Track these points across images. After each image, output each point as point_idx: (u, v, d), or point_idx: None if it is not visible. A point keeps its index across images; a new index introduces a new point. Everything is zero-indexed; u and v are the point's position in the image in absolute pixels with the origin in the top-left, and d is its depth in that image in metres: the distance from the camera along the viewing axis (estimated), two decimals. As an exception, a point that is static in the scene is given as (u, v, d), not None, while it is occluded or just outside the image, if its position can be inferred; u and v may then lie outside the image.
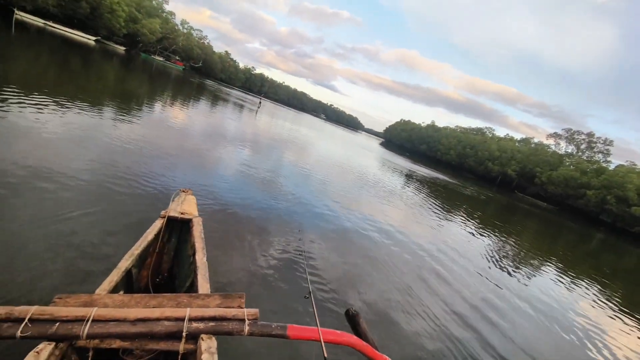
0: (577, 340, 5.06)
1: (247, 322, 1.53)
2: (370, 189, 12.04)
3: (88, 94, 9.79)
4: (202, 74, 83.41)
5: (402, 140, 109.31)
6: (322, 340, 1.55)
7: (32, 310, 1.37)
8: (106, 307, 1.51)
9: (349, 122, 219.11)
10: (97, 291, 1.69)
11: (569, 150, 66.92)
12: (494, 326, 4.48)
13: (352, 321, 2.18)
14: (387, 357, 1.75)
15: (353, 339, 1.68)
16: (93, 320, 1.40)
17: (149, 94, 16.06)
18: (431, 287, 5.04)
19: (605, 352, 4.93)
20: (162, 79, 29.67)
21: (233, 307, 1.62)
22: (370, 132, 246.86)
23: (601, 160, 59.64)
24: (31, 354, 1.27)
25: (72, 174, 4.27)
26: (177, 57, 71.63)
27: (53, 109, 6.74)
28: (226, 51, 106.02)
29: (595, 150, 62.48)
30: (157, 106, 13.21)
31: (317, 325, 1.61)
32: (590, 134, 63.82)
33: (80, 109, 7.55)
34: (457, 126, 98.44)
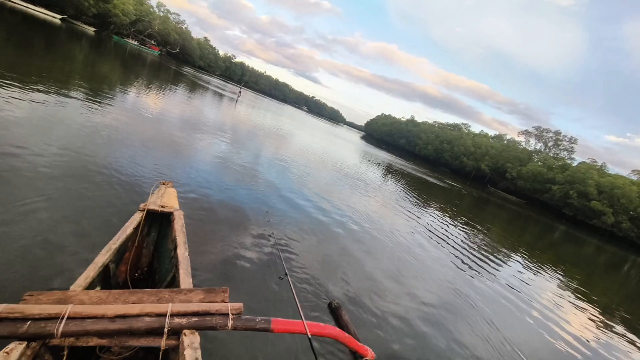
0: (539, 323, 5.45)
1: (230, 316, 1.53)
2: (348, 180, 12.17)
3: (54, 78, 9.13)
4: (180, 60, 79.96)
5: (382, 134, 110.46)
6: (306, 332, 1.58)
7: (0, 308, 1.30)
8: (82, 304, 1.46)
9: (331, 115, 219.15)
10: (72, 287, 1.62)
11: (538, 147, 70.63)
12: (467, 311, 4.73)
13: (335, 313, 2.22)
14: (368, 347, 1.81)
15: (335, 330, 1.72)
16: (68, 318, 1.34)
17: (123, 79, 15.21)
18: (406, 276, 5.22)
19: (560, 331, 5.35)
20: (137, 64, 28.16)
21: (216, 302, 1.62)
22: (351, 125, 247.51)
23: (566, 157, 63.54)
24: (0, 354, 1.21)
25: (40, 164, 4.00)
26: (153, 42, 68.05)
27: (15, 93, 6.25)
28: (205, 37, 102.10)
29: (561, 147, 66.39)
30: (133, 93, 12.57)
31: (302, 319, 1.64)
32: (557, 132, 67.61)
33: (45, 94, 7.05)
34: (435, 121, 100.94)
